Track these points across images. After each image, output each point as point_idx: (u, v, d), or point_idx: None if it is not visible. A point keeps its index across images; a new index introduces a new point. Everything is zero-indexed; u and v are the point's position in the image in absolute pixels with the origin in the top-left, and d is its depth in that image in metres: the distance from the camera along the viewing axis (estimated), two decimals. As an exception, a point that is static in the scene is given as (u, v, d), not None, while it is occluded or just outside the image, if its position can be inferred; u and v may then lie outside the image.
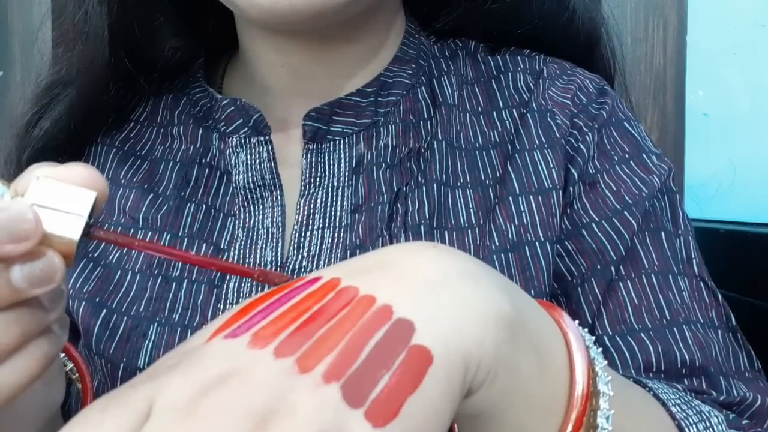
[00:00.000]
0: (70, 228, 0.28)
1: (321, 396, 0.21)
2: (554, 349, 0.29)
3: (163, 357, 0.25)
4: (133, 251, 0.48)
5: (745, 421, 0.41)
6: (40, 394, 0.34)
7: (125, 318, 0.46)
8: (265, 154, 0.48)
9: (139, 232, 0.49)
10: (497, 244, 0.45)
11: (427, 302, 0.25)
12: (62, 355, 0.42)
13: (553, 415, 0.28)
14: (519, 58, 0.53)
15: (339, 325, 0.23)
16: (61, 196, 0.28)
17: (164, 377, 0.22)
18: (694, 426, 0.35)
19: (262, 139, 0.48)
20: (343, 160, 0.48)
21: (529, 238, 0.45)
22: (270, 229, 0.47)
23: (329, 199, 0.47)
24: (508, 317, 0.26)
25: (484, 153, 0.49)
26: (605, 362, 0.30)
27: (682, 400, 0.37)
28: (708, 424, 0.36)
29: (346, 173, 0.48)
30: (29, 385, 0.28)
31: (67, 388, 0.42)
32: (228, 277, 0.46)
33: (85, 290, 0.48)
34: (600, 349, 0.31)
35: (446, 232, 0.46)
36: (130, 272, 0.48)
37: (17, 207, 0.26)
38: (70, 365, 0.42)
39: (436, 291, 0.25)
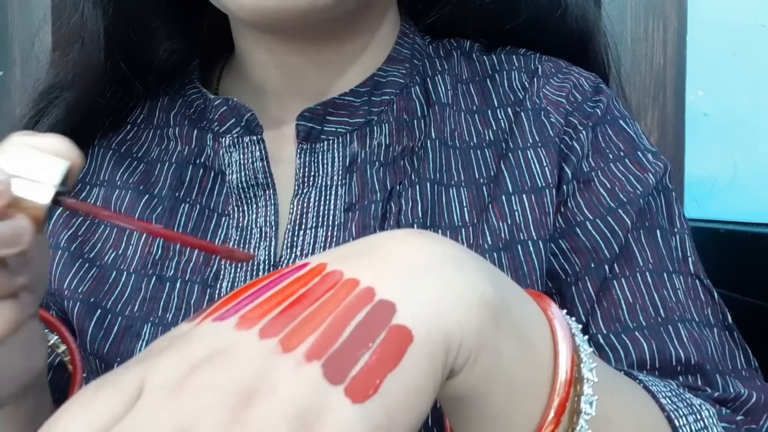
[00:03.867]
0: (41, 194, 0.28)
1: (302, 374, 0.22)
2: (538, 336, 0.29)
3: (155, 341, 0.25)
4: (129, 251, 0.49)
5: (739, 417, 0.41)
6: (17, 355, 0.34)
7: (119, 318, 0.46)
8: (258, 153, 0.48)
9: (135, 232, 0.49)
10: (490, 243, 0.45)
11: (409, 284, 0.25)
12: (55, 336, 0.43)
13: (537, 399, 0.29)
14: (514, 56, 0.53)
15: (322, 307, 0.24)
16: (35, 164, 0.28)
17: (155, 359, 0.23)
18: (683, 418, 0.35)
19: (255, 138, 0.48)
20: (336, 160, 0.48)
21: (522, 237, 0.45)
22: (263, 228, 0.47)
23: (323, 198, 0.47)
24: (490, 301, 0.26)
25: (478, 152, 0.49)
26: (591, 349, 0.30)
27: (673, 393, 0.37)
28: (698, 417, 0.36)
29: (340, 172, 0.48)
30: None
31: (65, 373, 0.43)
32: (221, 277, 0.46)
33: (80, 291, 0.48)
34: (586, 337, 0.31)
35: (440, 230, 0.46)
36: (124, 273, 0.48)
37: None
38: (64, 347, 0.43)
39: (419, 274, 0.26)
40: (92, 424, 0.22)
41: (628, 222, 0.45)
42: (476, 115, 0.50)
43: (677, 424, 0.34)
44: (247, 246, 0.47)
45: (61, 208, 0.30)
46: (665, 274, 0.45)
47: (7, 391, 0.34)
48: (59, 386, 0.48)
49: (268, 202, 0.48)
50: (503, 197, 0.46)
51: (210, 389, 0.21)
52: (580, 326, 0.31)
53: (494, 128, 0.49)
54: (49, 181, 0.29)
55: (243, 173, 0.48)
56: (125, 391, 0.22)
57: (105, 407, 0.22)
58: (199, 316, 0.26)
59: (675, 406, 0.36)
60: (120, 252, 0.49)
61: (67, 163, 0.29)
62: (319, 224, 0.47)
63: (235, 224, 0.48)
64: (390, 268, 0.26)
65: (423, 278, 0.26)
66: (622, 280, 0.45)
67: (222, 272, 0.46)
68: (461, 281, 0.26)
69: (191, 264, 0.47)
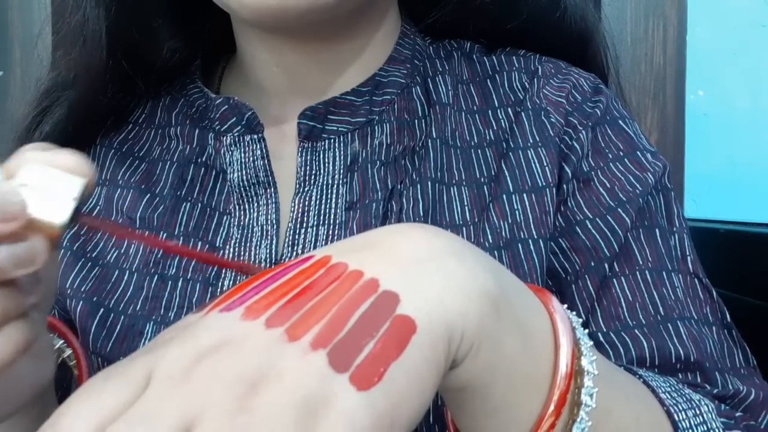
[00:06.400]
0: (57, 213, 0.28)
1: (308, 362, 0.22)
2: (539, 329, 0.30)
3: (162, 332, 0.26)
4: (131, 250, 0.49)
5: (738, 414, 0.41)
6: (28, 369, 0.35)
7: (122, 317, 0.47)
8: (259, 152, 0.48)
9: (137, 231, 0.49)
10: (491, 241, 0.45)
11: (412, 276, 0.26)
12: (62, 341, 0.43)
13: (538, 391, 0.29)
14: (514, 57, 0.53)
15: (327, 297, 0.25)
16: (50, 181, 0.28)
17: (162, 349, 0.24)
18: (683, 412, 0.35)
19: (256, 137, 0.48)
20: (337, 159, 0.48)
21: (522, 236, 0.45)
22: (264, 227, 0.47)
23: (324, 197, 0.48)
24: (491, 293, 0.27)
25: (479, 151, 0.49)
26: (591, 343, 0.31)
27: (673, 388, 0.37)
28: (698, 412, 0.36)
29: (341, 171, 0.48)
30: (7, 365, 0.28)
31: (68, 373, 0.43)
32: (223, 276, 0.46)
33: (82, 290, 0.48)
34: (586, 331, 0.31)
35: None
36: (127, 272, 0.48)
37: (5, 188, 0.27)
38: (69, 351, 0.43)
39: (421, 266, 0.26)
40: (100, 413, 0.22)
41: (628, 221, 0.46)
42: (477, 115, 0.50)
43: (676, 418, 0.35)
44: (248, 244, 0.47)
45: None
46: (664, 273, 0.45)
47: (18, 404, 0.35)
48: (62, 385, 0.49)
49: (269, 201, 0.48)
50: (504, 196, 0.46)
51: (217, 378, 0.22)
52: (581, 320, 0.32)
53: (495, 128, 0.50)
54: (65, 199, 0.28)
55: (244, 172, 0.48)
56: (133, 380, 0.23)
57: (113, 397, 0.22)
58: (205, 307, 0.26)
59: (674, 401, 0.36)
60: (122, 251, 0.49)
61: (84, 180, 0.29)
62: (320, 223, 0.47)
63: (236, 223, 0.48)
64: (393, 260, 0.26)
65: (425, 270, 0.26)
66: (622, 278, 0.45)
67: (224, 271, 0.46)
68: (463, 273, 0.27)
69: (193, 263, 0.47)
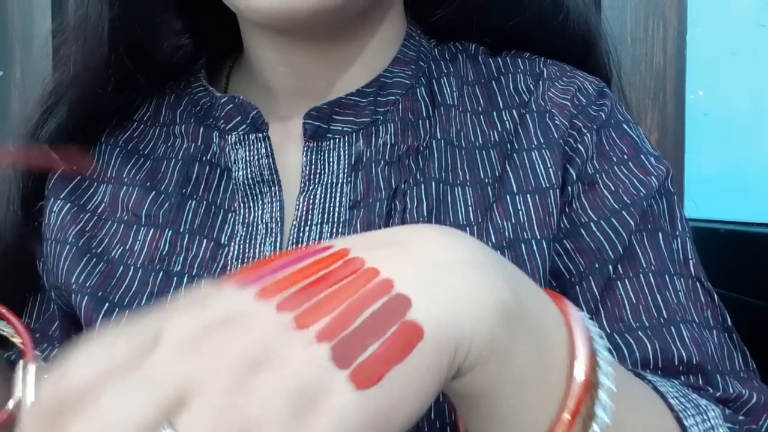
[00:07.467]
0: None
1: (311, 353, 0.23)
2: (555, 339, 0.29)
3: (178, 298, 0.26)
4: (136, 246, 0.49)
5: (741, 417, 0.41)
6: None
7: (127, 312, 0.47)
8: (263, 151, 0.48)
9: (142, 228, 0.49)
10: (494, 241, 0.45)
11: (428, 282, 0.26)
12: (12, 332, 0.43)
13: (549, 402, 0.29)
14: (519, 60, 0.53)
15: (341, 291, 0.25)
16: None
17: (174, 313, 0.24)
18: (692, 418, 0.36)
19: (260, 135, 0.49)
20: (342, 158, 0.49)
21: (525, 236, 0.45)
22: (269, 225, 0.48)
23: (328, 195, 0.48)
24: (507, 305, 0.27)
25: (483, 152, 0.49)
26: (607, 353, 0.30)
27: (681, 393, 0.38)
28: (705, 417, 0.37)
29: (346, 170, 0.48)
30: None
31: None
32: (229, 272, 0.46)
33: (87, 285, 0.48)
34: (604, 341, 0.31)
35: None
36: (132, 267, 0.48)
37: None
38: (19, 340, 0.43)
39: (439, 272, 0.26)
40: (108, 364, 0.23)
41: (632, 224, 0.46)
42: (482, 117, 0.51)
43: (686, 423, 0.35)
44: (253, 242, 0.47)
45: None
46: (667, 276, 0.45)
47: None
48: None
49: (274, 199, 0.48)
50: (507, 197, 0.47)
51: (222, 352, 0.22)
52: (599, 329, 0.31)
53: (499, 129, 0.50)
54: None
55: (249, 170, 0.48)
56: (142, 338, 0.23)
57: (122, 351, 0.23)
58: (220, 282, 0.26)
59: (683, 407, 0.36)
60: (127, 247, 0.49)
61: None
62: (325, 221, 0.47)
63: (241, 220, 0.48)
64: (411, 263, 0.26)
65: (442, 277, 0.26)
66: (626, 280, 0.45)
67: (229, 267, 0.47)
68: (480, 285, 0.26)
69: (198, 259, 0.47)
